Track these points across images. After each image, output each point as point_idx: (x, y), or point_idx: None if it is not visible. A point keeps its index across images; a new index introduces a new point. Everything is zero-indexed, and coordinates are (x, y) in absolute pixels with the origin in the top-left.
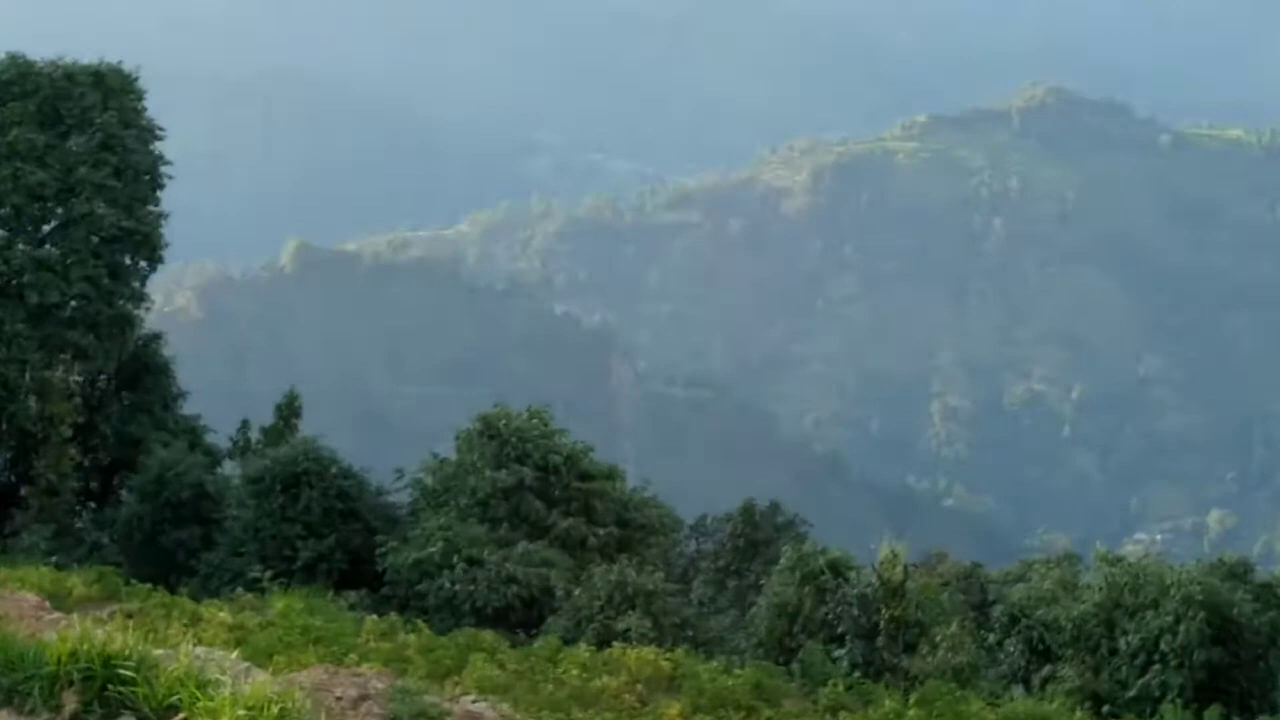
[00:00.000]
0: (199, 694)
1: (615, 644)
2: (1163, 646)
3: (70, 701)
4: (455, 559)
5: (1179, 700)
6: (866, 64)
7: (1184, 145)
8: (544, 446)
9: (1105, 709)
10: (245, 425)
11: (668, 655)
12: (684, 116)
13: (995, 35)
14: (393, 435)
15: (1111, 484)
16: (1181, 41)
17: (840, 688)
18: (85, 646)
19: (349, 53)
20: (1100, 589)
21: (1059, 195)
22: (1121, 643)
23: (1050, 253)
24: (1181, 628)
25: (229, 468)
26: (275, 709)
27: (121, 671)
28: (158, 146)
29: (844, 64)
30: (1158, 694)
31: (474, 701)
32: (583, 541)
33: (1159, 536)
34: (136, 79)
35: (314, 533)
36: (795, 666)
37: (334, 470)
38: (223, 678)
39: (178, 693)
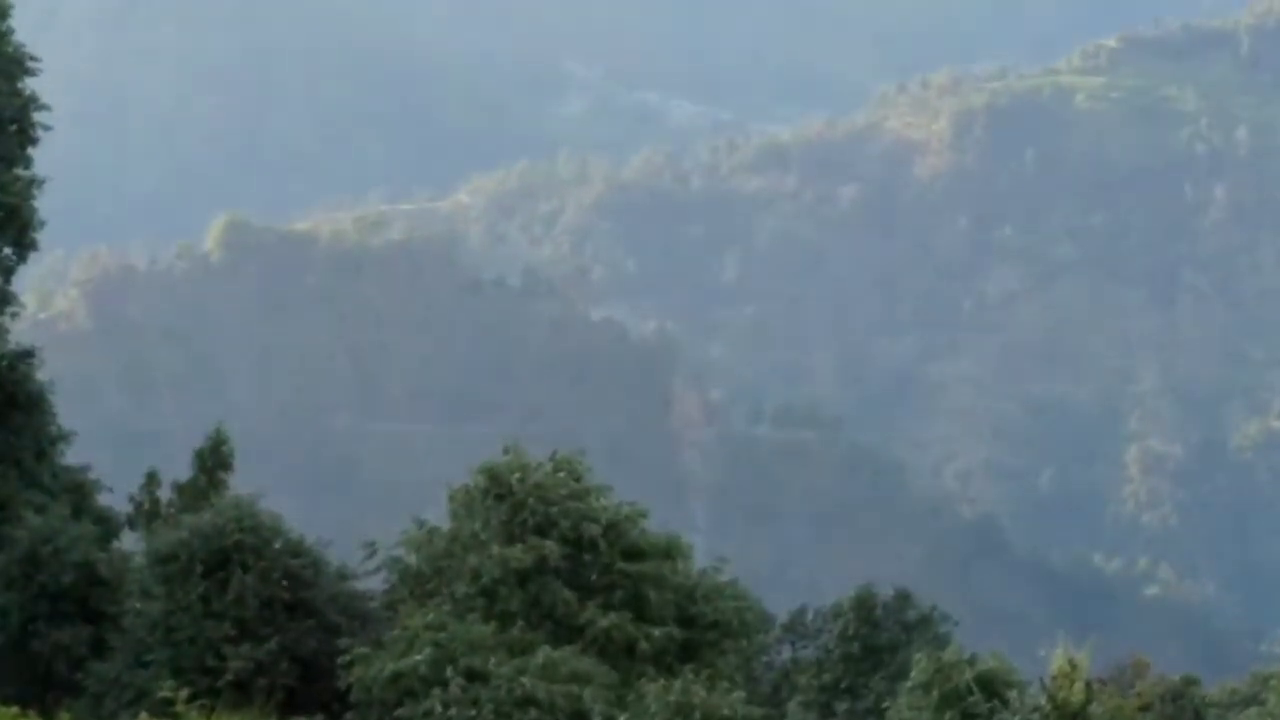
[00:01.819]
0: None
1: None
2: None
3: None
4: (450, 671)
5: None
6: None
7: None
8: (575, 511)
9: None
10: (152, 480)
11: None
12: (773, 41)
13: None
14: (361, 492)
15: None
16: None
17: None
18: None
19: None
20: None
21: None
22: None
23: None
24: None
25: (129, 541)
26: None
27: None
28: (29, 84)
29: None
30: None
31: None
32: (630, 647)
33: None
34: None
35: (249, 633)
36: None
37: (278, 544)
38: None
39: None
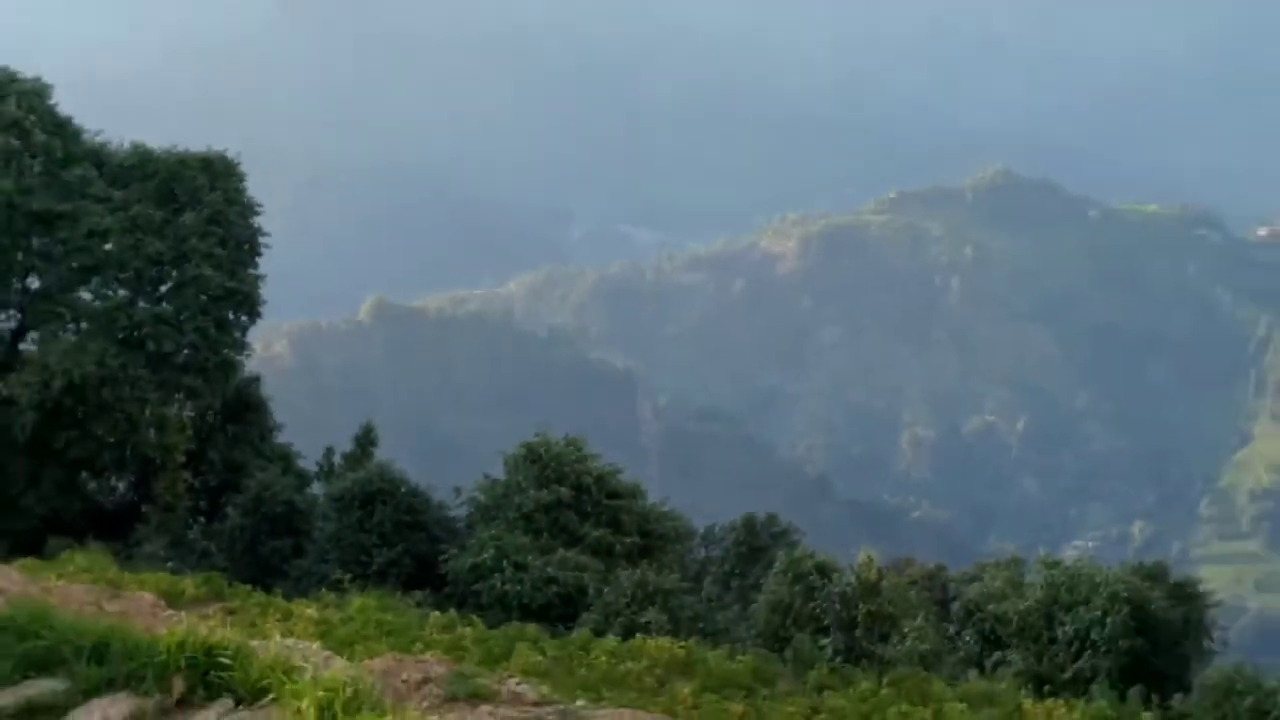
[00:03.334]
0: (285, 678)
1: (638, 635)
2: (1093, 636)
3: (178, 685)
4: (504, 564)
5: (1106, 681)
6: (848, 146)
7: (1110, 218)
8: (578, 469)
9: (1045, 689)
10: (329, 452)
11: (682, 645)
12: (696, 192)
13: (955, 122)
14: (452, 461)
15: (1051, 501)
16: (1108, 130)
17: (825, 671)
18: (191, 639)
19: (418, 143)
20: (1041, 588)
21: (1006, 261)
22: (1059, 633)
23: (999, 309)
24: (1109, 620)
25: (316, 488)
26: (349, 691)
27: (221, 659)
28: (256, 220)
29: (829, 148)
30: (1089, 676)
31: (518, 684)
32: (610, 549)
33: (1091, 544)
34: (239, 164)
35: (386, 542)
36: (788, 654)
37: (403, 490)
38: (306, 665)
39: (268, 677)
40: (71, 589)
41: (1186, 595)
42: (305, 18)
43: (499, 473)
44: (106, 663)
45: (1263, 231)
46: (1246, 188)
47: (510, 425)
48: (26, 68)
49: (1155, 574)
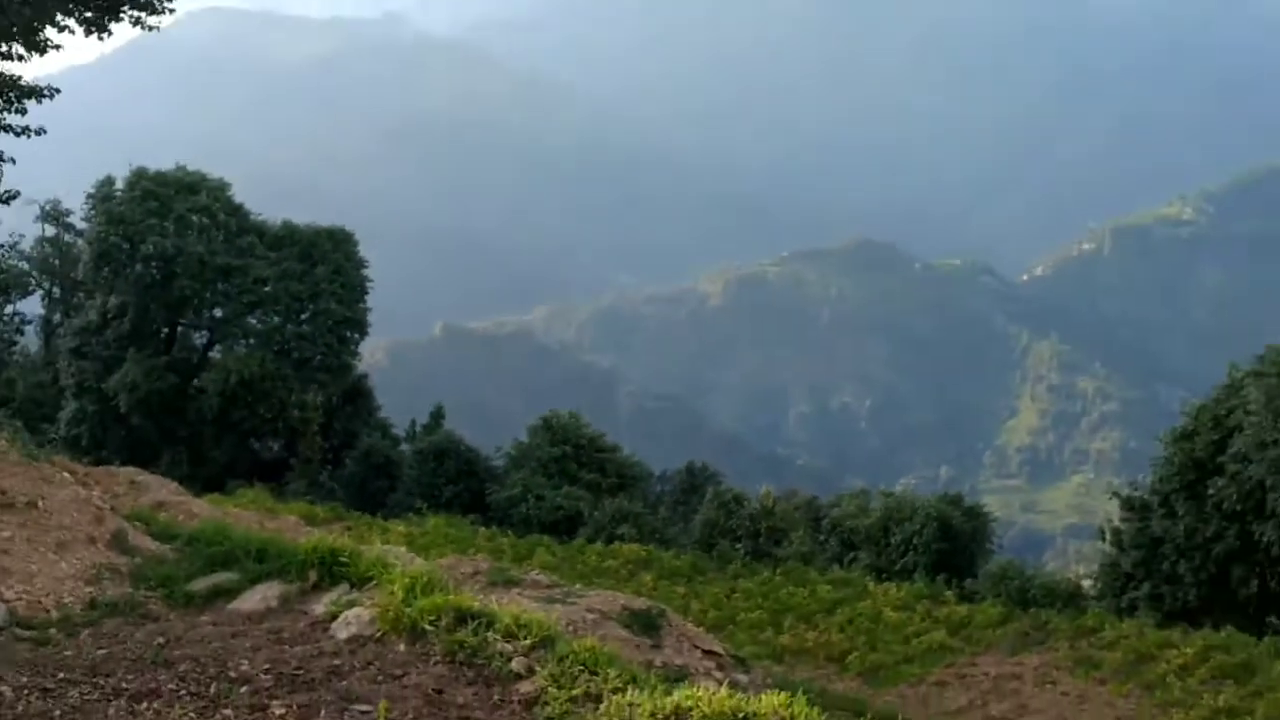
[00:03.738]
0: (383, 571)
1: (616, 542)
2: (914, 542)
3: (312, 576)
4: (529, 496)
5: (923, 571)
6: (754, 218)
7: (928, 269)
8: (577, 434)
9: (883, 576)
10: (413, 424)
11: (645, 549)
12: (656, 249)
13: (833, 197)
14: (495, 430)
15: (886, 453)
16: (930, 206)
17: (739, 565)
18: (321, 545)
19: (470, 212)
20: (880, 510)
21: (859, 298)
22: (892, 540)
23: (854, 330)
24: (924, 531)
25: (405, 448)
26: (425, 579)
27: (340, 559)
28: (366, 272)
29: (736, 217)
30: (912, 568)
31: (537, 574)
32: (598, 486)
33: (913, 482)
34: (354, 234)
35: (451, 482)
36: (715, 554)
37: (462, 448)
38: (396, 562)
39: (372, 570)
40: (242, 513)
41: (975, 515)
42: (406, 153)
43: (524, 437)
44: (265, 561)
45: (1024, 277)
46: (1017, 242)
47: (533, 407)
48: (214, 169)
49: (954, 501)
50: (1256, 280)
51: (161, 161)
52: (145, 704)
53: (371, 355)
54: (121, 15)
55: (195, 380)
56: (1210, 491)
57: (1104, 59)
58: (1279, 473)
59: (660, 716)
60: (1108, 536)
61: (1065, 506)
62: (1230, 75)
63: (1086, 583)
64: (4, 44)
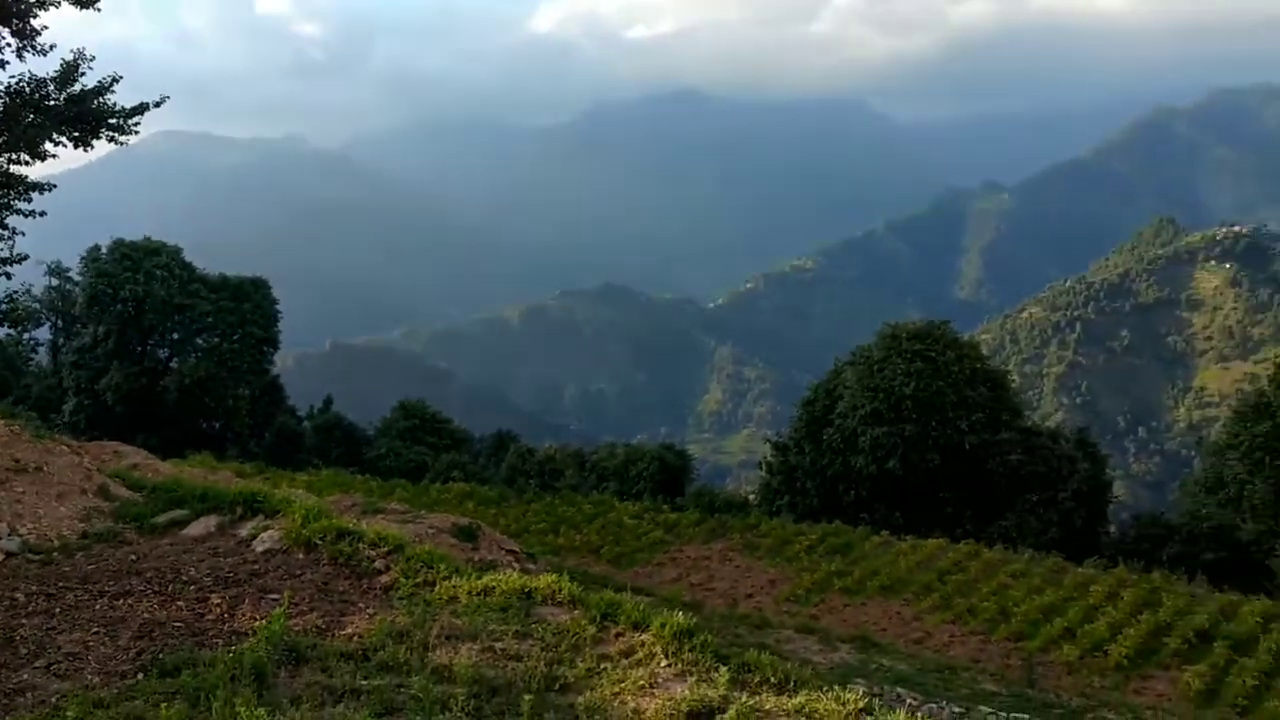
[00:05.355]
0: (288, 504)
1: (449, 483)
2: (644, 474)
3: (239, 510)
4: (391, 454)
5: (649, 493)
6: (538, 269)
7: (651, 302)
8: (423, 412)
9: (624, 497)
10: (312, 408)
11: (468, 486)
12: (474, 288)
13: (591, 256)
14: (368, 412)
15: (627, 420)
16: (655, 258)
17: (531, 495)
18: (246, 489)
19: (348, 262)
20: (622, 455)
21: (608, 323)
22: (630, 472)
23: (607, 342)
24: (651, 467)
25: (305, 425)
26: (317, 509)
27: (259, 498)
28: (277, 307)
29: (527, 268)
30: (642, 491)
31: (395, 505)
32: (438, 446)
33: (645, 436)
34: (268, 281)
35: (338, 446)
36: (515, 488)
37: (345, 423)
38: (297, 499)
39: (281, 505)
40: (192, 471)
41: (682, 457)
42: (303, 227)
43: (389, 415)
44: (207, 501)
45: (711, 305)
46: (707, 283)
47: (394, 396)
48: (170, 239)
49: (669, 448)
50: (852, 307)
51: (133, 234)
52: (122, 600)
53: (282, 363)
54: (100, 135)
55: (161, 382)
56: (824, 436)
57: (748, 167)
58: (866, 424)
59: (474, 592)
60: (764, 468)
61: (739, 449)
62: (814, 171)
63: (752, 497)
64: (14, 153)
